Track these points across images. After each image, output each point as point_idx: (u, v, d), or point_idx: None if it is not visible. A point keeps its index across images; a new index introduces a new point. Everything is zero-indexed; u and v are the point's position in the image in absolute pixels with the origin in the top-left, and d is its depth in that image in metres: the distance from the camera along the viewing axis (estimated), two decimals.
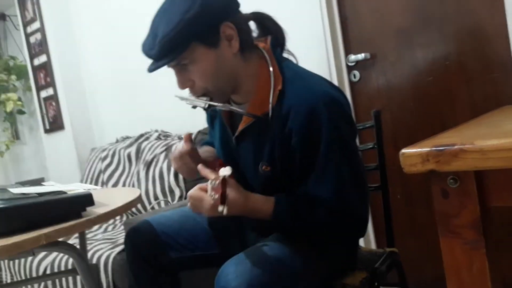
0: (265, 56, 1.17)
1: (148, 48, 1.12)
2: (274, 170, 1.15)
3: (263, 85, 1.14)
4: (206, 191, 1.04)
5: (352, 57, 2.08)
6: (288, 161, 1.12)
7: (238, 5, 1.14)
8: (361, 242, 2.10)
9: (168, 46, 1.06)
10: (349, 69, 2.12)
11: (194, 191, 1.08)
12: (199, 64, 1.09)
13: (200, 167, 1.12)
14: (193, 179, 1.30)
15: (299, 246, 1.15)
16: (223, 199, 0.97)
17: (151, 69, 1.12)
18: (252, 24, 1.21)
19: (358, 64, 2.10)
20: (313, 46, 2.11)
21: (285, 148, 1.11)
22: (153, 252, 1.32)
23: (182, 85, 1.14)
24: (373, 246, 2.15)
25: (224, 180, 0.97)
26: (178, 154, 1.22)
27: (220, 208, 0.97)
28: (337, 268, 1.27)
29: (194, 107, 1.16)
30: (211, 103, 1.11)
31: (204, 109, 1.13)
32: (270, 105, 1.12)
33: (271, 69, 1.15)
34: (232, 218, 1.30)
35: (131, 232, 1.37)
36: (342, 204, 1.10)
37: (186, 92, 1.19)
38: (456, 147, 0.63)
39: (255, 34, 1.22)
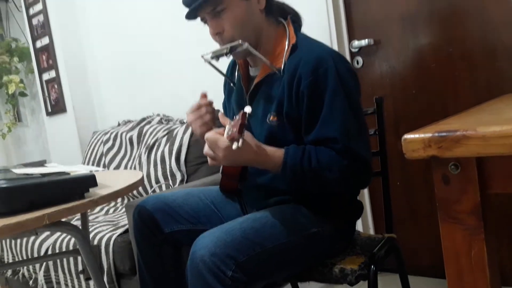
0: (285, 26, 1.31)
1: None
2: (280, 120, 1.23)
3: (280, 44, 1.28)
4: (222, 134, 1.09)
5: (356, 43, 2.07)
6: (296, 111, 1.20)
7: None
8: (360, 227, 2.12)
9: None
10: (352, 55, 2.11)
11: (210, 133, 1.12)
12: (232, 11, 1.23)
13: (220, 114, 1.21)
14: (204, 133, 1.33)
15: (285, 220, 1.20)
16: (241, 130, 1.01)
17: (190, 11, 1.23)
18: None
19: (361, 50, 2.09)
20: (316, 31, 2.08)
21: (294, 99, 1.20)
22: (157, 223, 1.38)
23: (214, 30, 1.26)
24: (371, 231, 2.16)
25: (244, 113, 1.03)
26: (196, 105, 1.28)
27: (235, 145, 1.02)
28: (328, 248, 1.30)
29: (218, 58, 1.26)
30: (234, 44, 1.22)
31: (226, 54, 1.24)
32: (283, 60, 1.24)
33: (288, 30, 1.29)
34: (233, 192, 1.40)
35: (139, 206, 1.42)
36: (348, 144, 1.14)
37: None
38: (458, 133, 0.64)
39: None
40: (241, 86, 1.38)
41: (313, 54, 1.20)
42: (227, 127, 1.07)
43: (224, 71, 1.48)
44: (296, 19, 1.35)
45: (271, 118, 1.25)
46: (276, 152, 1.17)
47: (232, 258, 1.07)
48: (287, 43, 1.26)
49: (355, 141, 1.16)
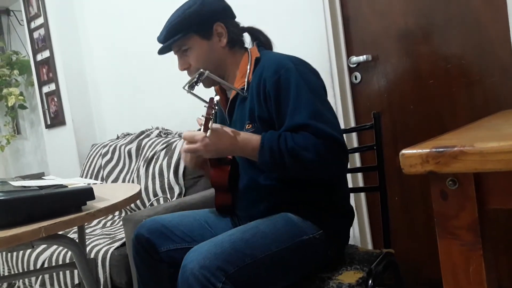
0: (248, 51, 1.43)
1: (159, 36, 1.42)
2: (255, 127, 1.31)
3: (244, 66, 1.40)
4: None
5: (354, 58, 2.09)
6: (267, 112, 1.28)
7: (233, 15, 1.45)
8: (358, 242, 2.11)
9: (172, 31, 1.37)
10: (351, 70, 2.13)
11: (186, 132, 1.22)
12: (195, 50, 1.40)
13: (197, 118, 1.30)
14: (198, 170, 1.46)
15: (275, 229, 1.22)
16: (209, 112, 1.11)
17: (161, 49, 1.43)
18: (247, 36, 1.49)
19: (359, 66, 2.10)
20: (315, 47, 2.11)
21: (263, 100, 1.28)
22: (153, 243, 1.41)
23: (181, 66, 1.44)
24: (370, 246, 2.15)
25: (211, 98, 1.15)
26: (190, 136, 1.34)
27: (208, 132, 1.11)
28: (321, 255, 1.30)
29: (192, 87, 1.39)
30: (202, 70, 1.36)
31: (196, 83, 1.37)
32: (246, 78, 1.36)
33: (250, 53, 1.41)
34: (228, 210, 1.45)
35: (137, 230, 1.47)
36: (319, 126, 1.18)
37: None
38: (456, 149, 0.64)
39: (248, 44, 1.49)
40: (221, 109, 1.49)
41: (274, 60, 1.31)
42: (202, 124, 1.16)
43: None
44: (263, 44, 1.46)
45: (246, 127, 1.32)
46: (252, 136, 1.23)
47: (222, 270, 1.07)
48: (249, 61, 1.39)
49: (325, 124, 1.20)
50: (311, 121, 1.19)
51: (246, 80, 1.36)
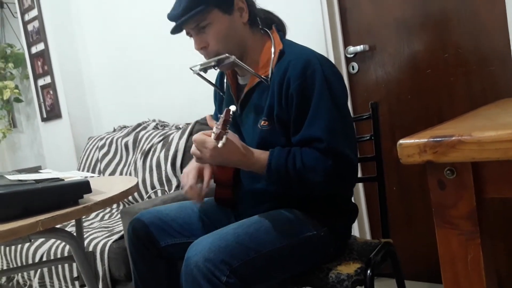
0: (270, 35, 1.33)
1: (173, 11, 1.27)
2: (271, 125, 1.25)
3: (266, 53, 1.30)
4: (209, 136, 1.12)
5: (351, 48, 2.08)
6: (286, 114, 1.22)
7: None
8: (356, 232, 2.12)
9: (192, 4, 1.22)
10: (348, 60, 2.12)
11: (198, 135, 1.15)
12: (215, 26, 1.26)
13: (208, 117, 1.22)
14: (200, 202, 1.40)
15: (280, 225, 1.21)
16: (224, 126, 1.04)
17: (175, 27, 1.28)
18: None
19: (356, 56, 2.10)
20: (312, 37, 2.10)
21: (284, 101, 1.22)
22: (150, 237, 1.38)
23: (198, 45, 1.29)
24: (368, 237, 2.16)
25: (228, 110, 1.06)
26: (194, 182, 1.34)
27: (220, 143, 1.04)
28: (324, 252, 1.30)
29: (205, 70, 1.29)
30: (221, 57, 1.24)
31: (214, 66, 1.27)
32: (271, 67, 1.26)
33: (273, 38, 1.31)
34: (228, 203, 1.41)
35: (134, 220, 1.43)
36: (333, 143, 1.15)
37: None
38: (453, 138, 0.64)
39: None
40: (231, 95, 1.40)
41: (300, 57, 1.22)
42: (214, 128, 1.09)
43: (213, 81, 1.50)
44: (280, 28, 1.38)
45: (262, 123, 1.27)
46: (261, 154, 1.20)
47: (226, 264, 1.07)
48: (273, 50, 1.29)
49: (340, 140, 1.17)
50: (326, 137, 1.15)
51: (271, 67, 1.26)
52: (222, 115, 1.06)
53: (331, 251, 1.31)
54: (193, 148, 1.17)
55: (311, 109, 1.18)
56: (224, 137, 1.05)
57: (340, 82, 1.26)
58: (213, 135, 1.07)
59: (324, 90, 1.18)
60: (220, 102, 1.50)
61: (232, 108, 1.08)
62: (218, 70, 1.35)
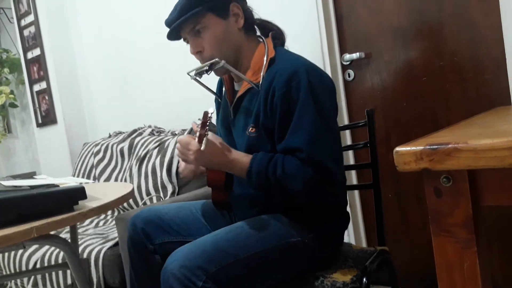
0: (265, 42, 1.34)
1: (170, 16, 1.29)
2: (258, 132, 1.26)
3: (259, 60, 1.31)
4: (194, 138, 1.15)
5: (347, 56, 2.09)
6: (271, 122, 1.23)
7: None
8: (352, 239, 2.11)
9: (188, 7, 1.24)
10: (344, 68, 2.13)
11: (182, 136, 1.20)
12: (210, 30, 1.28)
13: (192, 123, 1.24)
14: (192, 178, 1.42)
15: (261, 230, 1.21)
16: (203, 127, 1.08)
17: (171, 31, 1.29)
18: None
19: (352, 63, 2.10)
20: (308, 44, 2.11)
21: (269, 109, 1.23)
22: (149, 233, 1.40)
23: (194, 49, 1.31)
24: (364, 244, 2.16)
25: (206, 112, 1.10)
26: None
27: (203, 146, 1.08)
28: (311, 258, 1.29)
29: (200, 75, 1.30)
30: (212, 61, 1.26)
31: (207, 71, 1.28)
32: (262, 74, 1.27)
33: (266, 46, 1.32)
34: (225, 205, 1.43)
35: (133, 217, 1.46)
36: (313, 154, 1.16)
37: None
38: (449, 146, 0.64)
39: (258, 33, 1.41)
40: (226, 101, 1.42)
41: (288, 66, 1.23)
42: (198, 131, 1.12)
43: (215, 86, 1.53)
44: (278, 36, 1.38)
45: (250, 129, 1.28)
46: (244, 157, 1.22)
47: (202, 269, 1.08)
48: (265, 58, 1.29)
49: (321, 151, 1.17)
50: (306, 147, 1.16)
51: (262, 74, 1.27)
52: (200, 118, 1.10)
53: (319, 257, 1.31)
54: (177, 151, 1.21)
55: (294, 119, 1.19)
56: (205, 139, 1.08)
57: (328, 94, 1.26)
58: (196, 138, 1.11)
59: (308, 100, 1.18)
60: (219, 107, 1.52)
61: (210, 110, 1.12)
62: (210, 74, 1.36)
